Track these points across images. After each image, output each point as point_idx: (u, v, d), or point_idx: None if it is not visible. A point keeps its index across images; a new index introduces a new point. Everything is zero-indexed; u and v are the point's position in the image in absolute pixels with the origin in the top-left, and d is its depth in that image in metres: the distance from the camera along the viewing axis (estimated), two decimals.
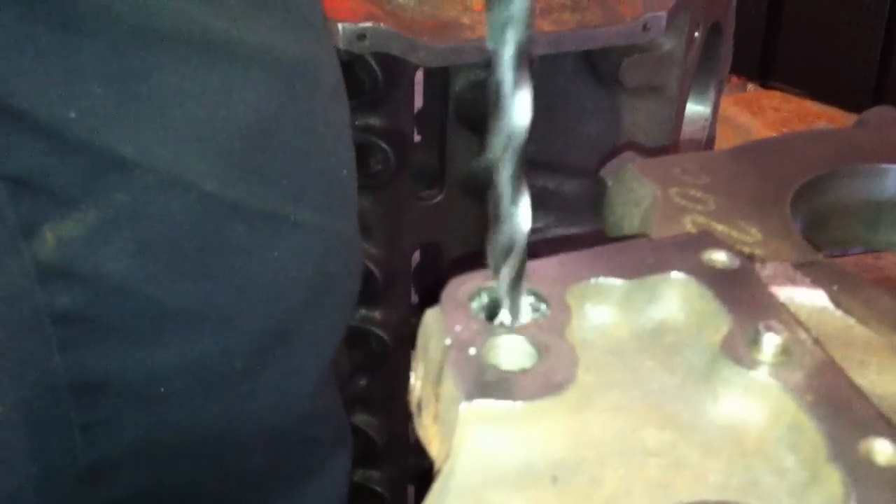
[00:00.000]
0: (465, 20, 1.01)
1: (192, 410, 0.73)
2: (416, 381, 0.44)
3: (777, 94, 2.61)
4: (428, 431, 0.42)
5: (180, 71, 0.65)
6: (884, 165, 0.63)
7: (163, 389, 0.71)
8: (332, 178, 0.77)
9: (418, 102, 1.21)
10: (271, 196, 0.71)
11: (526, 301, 0.42)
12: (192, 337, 0.71)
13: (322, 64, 0.75)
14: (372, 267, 1.14)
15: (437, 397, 0.41)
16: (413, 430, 0.44)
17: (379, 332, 1.19)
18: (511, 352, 0.40)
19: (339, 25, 0.97)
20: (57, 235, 0.64)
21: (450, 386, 0.39)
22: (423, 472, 1.31)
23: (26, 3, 0.59)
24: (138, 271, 0.67)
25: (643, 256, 0.45)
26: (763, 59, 2.67)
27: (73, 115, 0.62)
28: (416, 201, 1.18)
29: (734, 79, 2.68)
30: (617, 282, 0.44)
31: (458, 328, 0.40)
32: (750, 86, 2.71)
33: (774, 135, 2.44)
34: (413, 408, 0.44)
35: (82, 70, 0.62)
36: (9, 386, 0.68)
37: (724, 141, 2.51)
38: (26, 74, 0.61)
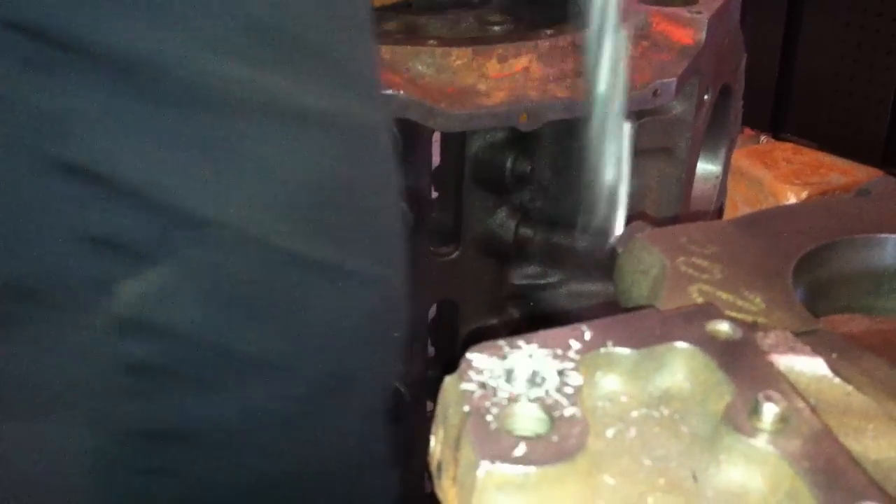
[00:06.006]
0: (482, 87, 1.04)
1: (250, 456, 0.76)
2: (435, 444, 0.46)
3: (789, 146, 2.61)
4: (447, 493, 0.44)
5: (256, 136, 0.68)
6: (883, 235, 0.65)
7: (224, 435, 0.74)
8: (386, 233, 0.81)
9: (435, 160, 1.24)
10: (331, 249, 0.74)
11: (547, 364, 0.45)
12: (255, 382, 0.73)
13: (379, 128, 0.79)
14: None
15: (455, 461, 0.43)
16: (429, 483, 0.46)
17: (396, 385, 1.21)
18: (526, 419, 0.43)
19: None
20: (133, 290, 0.67)
21: (468, 451, 0.41)
22: None
23: (120, 79, 0.63)
24: (208, 322, 0.70)
25: (651, 327, 0.48)
26: (775, 112, 2.69)
27: (155, 178, 0.65)
28: (433, 257, 1.20)
29: (747, 131, 2.69)
30: (626, 351, 0.47)
31: (476, 396, 0.43)
32: (762, 138, 2.72)
33: (787, 186, 2.45)
34: (433, 469, 0.46)
35: (167, 138, 0.65)
36: (83, 433, 0.71)
37: (737, 193, 2.53)
38: (114, 143, 0.64)
